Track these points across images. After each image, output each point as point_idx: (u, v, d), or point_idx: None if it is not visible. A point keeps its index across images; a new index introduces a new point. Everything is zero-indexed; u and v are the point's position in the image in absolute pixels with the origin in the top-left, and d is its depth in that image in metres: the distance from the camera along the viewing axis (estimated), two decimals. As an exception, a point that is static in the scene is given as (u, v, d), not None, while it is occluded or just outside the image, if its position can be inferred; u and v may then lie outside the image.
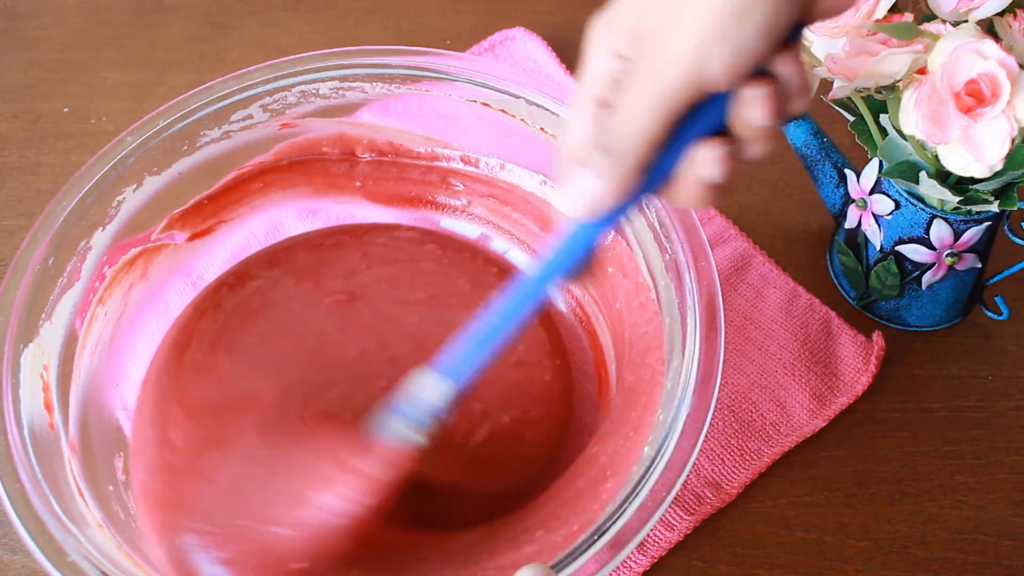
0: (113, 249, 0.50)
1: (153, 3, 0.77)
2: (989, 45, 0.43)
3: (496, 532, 0.47)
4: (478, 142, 0.57)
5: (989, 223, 0.51)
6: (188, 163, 0.53)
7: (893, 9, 0.47)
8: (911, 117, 0.45)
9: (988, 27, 0.47)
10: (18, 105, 0.70)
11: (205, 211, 0.55)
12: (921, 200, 0.52)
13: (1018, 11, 0.47)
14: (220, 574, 0.43)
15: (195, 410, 0.50)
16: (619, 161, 0.33)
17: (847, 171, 0.56)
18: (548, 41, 0.72)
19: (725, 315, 0.44)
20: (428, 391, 0.43)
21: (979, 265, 0.54)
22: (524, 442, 0.51)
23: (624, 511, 0.39)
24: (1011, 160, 0.45)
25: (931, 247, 0.53)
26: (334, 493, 0.43)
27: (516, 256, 0.58)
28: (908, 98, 0.46)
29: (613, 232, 0.52)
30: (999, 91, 0.43)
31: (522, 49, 0.72)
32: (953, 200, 0.49)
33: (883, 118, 0.50)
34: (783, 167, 0.66)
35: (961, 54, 0.43)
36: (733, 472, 0.52)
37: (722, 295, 0.45)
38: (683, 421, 0.41)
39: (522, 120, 0.53)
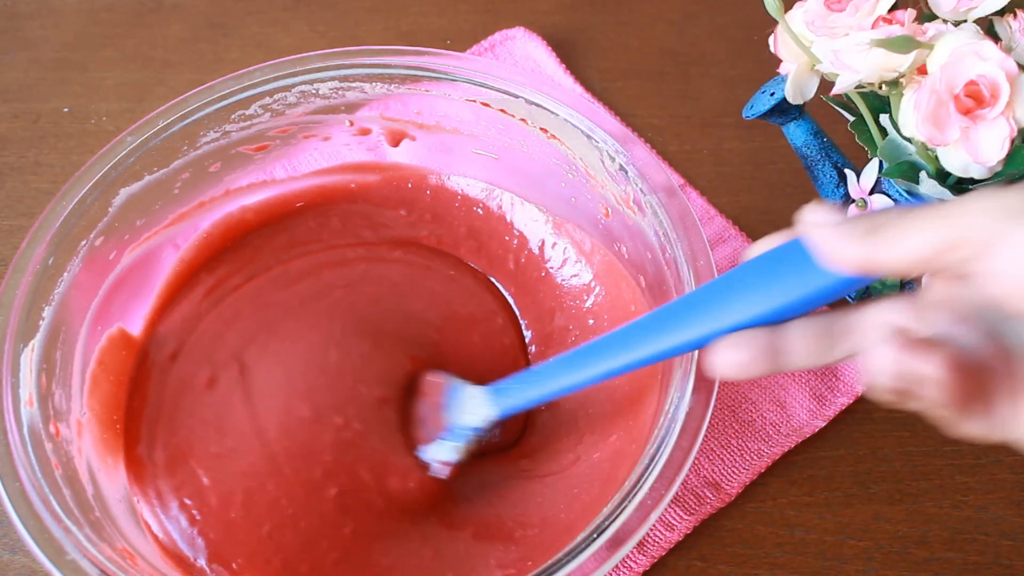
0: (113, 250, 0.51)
1: (153, 3, 0.78)
2: (988, 47, 0.43)
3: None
4: (478, 142, 0.57)
5: (989, 223, 0.51)
6: (188, 163, 0.53)
7: (894, 8, 0.47)
8: (911, 119, 0.45)
9: (988, 27, 0.47)
10: (18, 105, 0.70)
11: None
12: (921, 200, 0.52)
13: (1017, 11, 0.47)
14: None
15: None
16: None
17: (847, 171, 0.56)
18: (548, 41, 0.73)
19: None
20: (474, 411, 0.45)
21: (979, 265, 0.54)
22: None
23: (623, 509, 0.39)
24: (1010, 161, 0.45)
25: (931, 247, 0.53)
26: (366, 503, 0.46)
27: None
28: (907, 100, 0.46)
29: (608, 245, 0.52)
30: (998, 93, 0.43)
31: (522, 49, 0.72)
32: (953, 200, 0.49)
33: (883, 118, 0.50)
34: (783, 167, 0.66)
35: (960, 56, 0.43)
36: (733, 472, 0.52)
37: (722, 295, 0.45)
38: (682, 420, 0.41)
39: (522, 120, 0.53)
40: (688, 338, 0.37)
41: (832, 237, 0.32)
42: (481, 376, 0.52)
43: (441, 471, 0.47)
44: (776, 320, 0.34)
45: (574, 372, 0.42)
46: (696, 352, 0.43)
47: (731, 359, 0.34)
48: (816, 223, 0.33)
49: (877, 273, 0.32)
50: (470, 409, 0.46)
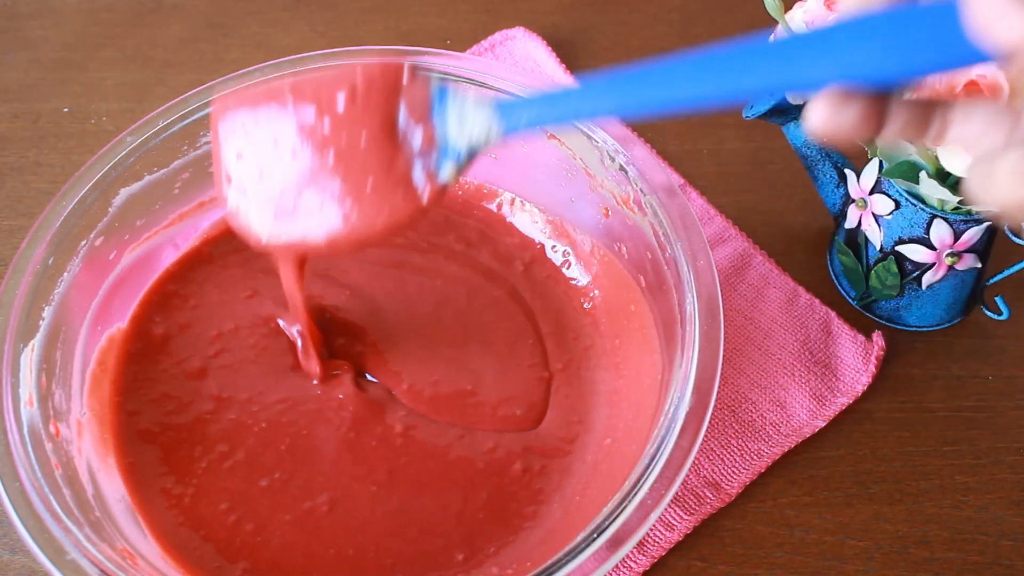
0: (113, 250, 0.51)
1: (153, 3, 0.78)
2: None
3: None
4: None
5: (989, 223, 0.51)
6: (188, 163, 0.53)
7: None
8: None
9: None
10: (18, 105, 0.70)
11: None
12: (921, 200, 0.52)
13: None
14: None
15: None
16: None
17: (847, 171, 0.57)
18: (548, 41, 0.73)
19: (725, 315, 0.44)
20: (475, 123, 0.38)
21: (979, 265, 0.54)
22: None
23: (623, 509, 0.39)
24: (1011, 160, 0.44)
25: (931, 247, 0.53)
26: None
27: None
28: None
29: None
30: (998, 93, 0.43)
31: (522, 49, 0.72)
32: (953, 200, 0.49)
33: (883, 118, 0.50)
34: (783, 167, 0.66)
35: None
36: (733, 472, 0.52)
37: (722, 295, 0.45)
38: (682, 420, 0.41)
39: (522, 120, 0.53)
40: (765, 83, 0.31)
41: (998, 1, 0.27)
42: (502, 371, 0.52)
43: (425, 186, 0.39)
44: (886, 81, 0.30)
45: (612, 97, 0.34)
46: (695, 354, 0.43)
47: (835, 115, 0.30)
48: None
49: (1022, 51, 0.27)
50: (470, 122, 0.38)
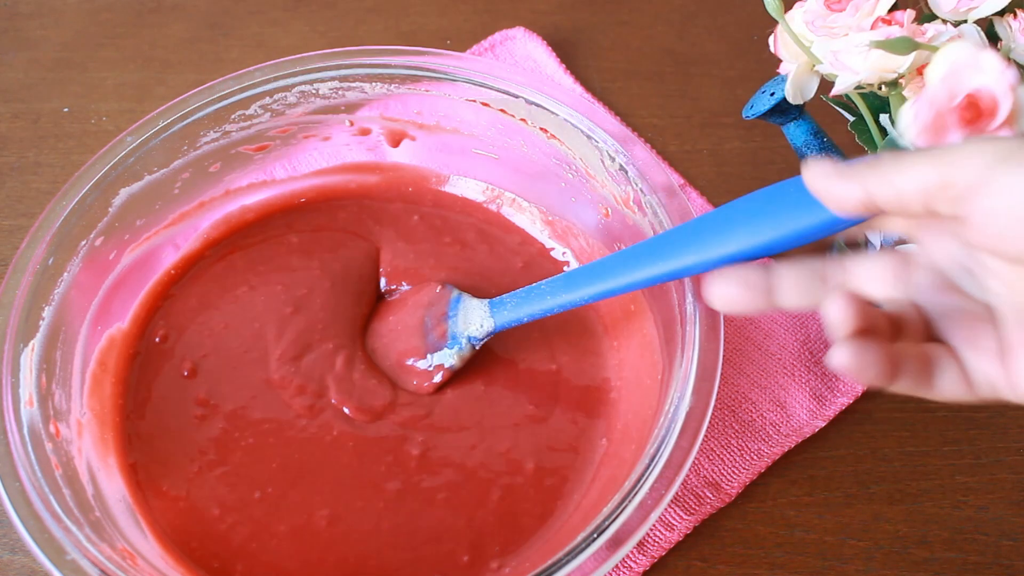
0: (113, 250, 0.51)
1: (153, 3, 0.78)
2: (987, 58, 0.43)
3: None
4: (478, 142, 0.57)
5: (989, 223, 0.51)
6: (188, 163, 0.53)
7: (894, 8, 0.47)
8: (911, 129, 0.45)
9: (988, 27, 0.47)
10: (18, 105, 0.70)
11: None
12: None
13: (1017, 11, 0.47)
14: None
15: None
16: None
17: (847, 171, 0.56)
18: (548, 41, 0.73)
19: (725, 315, 0.44)
20: (475, 321, 0.50)
21: (979, 265, 0.54)
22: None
23: (623, 509, 0.39)
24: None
25: (931, 247, 0.53)
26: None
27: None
28: (907, 108, 0.46)
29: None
30: (998, 104, 0.43)
31: (522, 49, 0.72)
32: (953, 200, 0.49)
33: (883, 118, 0.50)
34: (783, 167, 0.66)
35: (960, 67, 0.43)
36: (733, 472, 0.52)
37: (722, 295, 0.45)
38: (682, 420, 0.41)
39: (522, 120, 0.53)
40: (683, 264, 0.40)
41: (834, 178, 0.33)
42: (512, 367, 0.53)
43: (437, 376, 0.50)
44: (771, 252, 0.36)
45: (570, 291, 0.45)
46: (695, 354, 0.43)
47: (726, 293, 0.36)
48: (818, 171, 0.34)
49: (875, 209, 0.32)
50: (471, 320, 0.50)
